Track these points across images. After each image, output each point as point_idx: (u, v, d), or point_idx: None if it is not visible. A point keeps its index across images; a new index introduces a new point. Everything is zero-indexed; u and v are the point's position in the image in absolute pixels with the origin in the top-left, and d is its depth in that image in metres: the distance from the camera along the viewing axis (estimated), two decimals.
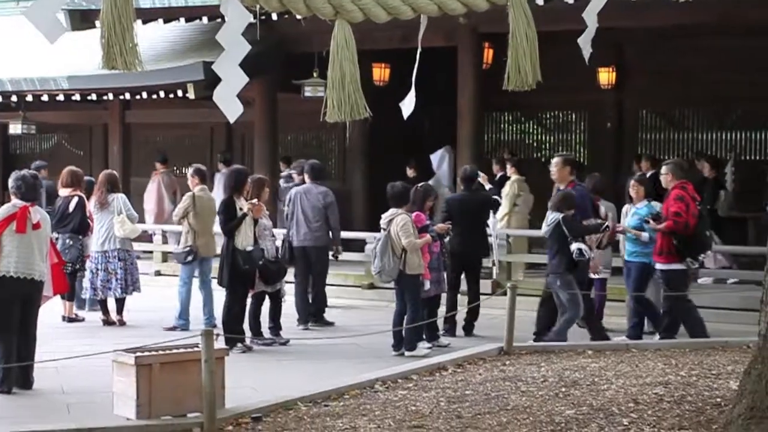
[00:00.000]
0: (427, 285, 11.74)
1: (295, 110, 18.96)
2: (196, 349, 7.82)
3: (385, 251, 11.52)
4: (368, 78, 19.26)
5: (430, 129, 19.68)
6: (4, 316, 9.54)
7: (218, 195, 20.32)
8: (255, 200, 11.88)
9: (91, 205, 13.72)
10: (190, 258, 13.10)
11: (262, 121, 18.96)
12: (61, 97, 19.62)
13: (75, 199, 13.57)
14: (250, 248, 11.72)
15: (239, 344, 11.60)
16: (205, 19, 17.58)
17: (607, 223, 12.00)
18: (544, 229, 11.84)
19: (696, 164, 17.10)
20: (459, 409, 7.89)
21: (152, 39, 18.47)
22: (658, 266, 11.73)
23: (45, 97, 19.73)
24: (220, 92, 6.19)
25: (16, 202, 9.88)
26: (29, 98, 19.97)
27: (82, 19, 17.16)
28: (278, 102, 19.09)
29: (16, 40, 20.14)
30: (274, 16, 15.52)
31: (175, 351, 8.12)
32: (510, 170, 16.35)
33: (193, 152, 21.73)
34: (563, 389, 8.56)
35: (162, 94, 18.45)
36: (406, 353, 11.38)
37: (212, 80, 16.94)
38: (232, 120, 6.25)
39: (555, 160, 12.10)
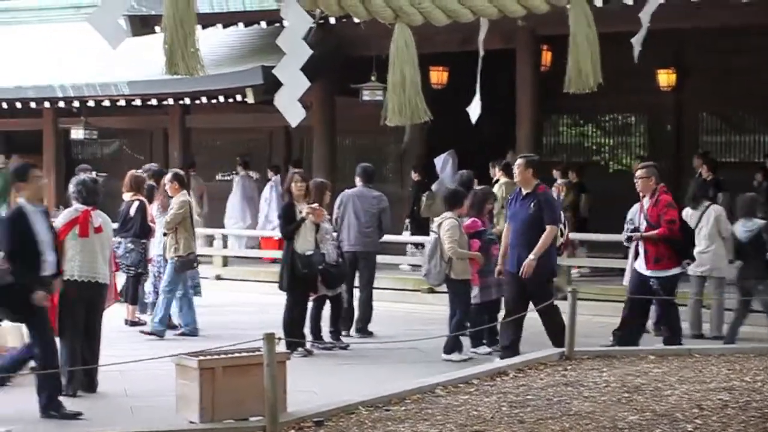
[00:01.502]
0: (476, 291, 11.67)
1: (352, 114, 18.99)
2: (258, 353, 7.84)
3: (433, 255, 11.52)
4: (426, 81, 19.22)
5: (488, 132, 19.61)
6: (68, 319, 9.62)
7: (236, 199, 20.60)
8: (315, 204, 11.90)
9: (153, 210, 13.82)
10: (196, 264, 13.15)
11: (320, 125, 19.01)
12: (122, 103, 19.81)
13: (136, 204, 13.67)
14: (309, 252, 11.73)
15: (300, 348, 11.62)
16: (263, 24, 17.64)
17: None
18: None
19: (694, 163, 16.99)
20: (521, 414, 7.85)
21: (211, 44, 18.58)
22: (654, 273, 11.24)
23: (106, 103, 19.94)
24: (281, 97, 6.21)
25: (77, 206, 9.98)
26: (91, 104, 20.18)
27: (142, 25, 17.31)
28: (337, 106, 19.12)
29: (77, 46, 20.37)
30: (332, 20, 15.55)
31: (237, 355, 8.16)
32: (498, 173, 16.00)
33: (253, 156, 21.83)
34: (626, 395, 8.49)
35: (221, 98, 18.56)
36: (443, 356, 11.31)
37: (271, 85, 17.07)
38: (294, 124, 6.27)
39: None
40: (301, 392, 8.93)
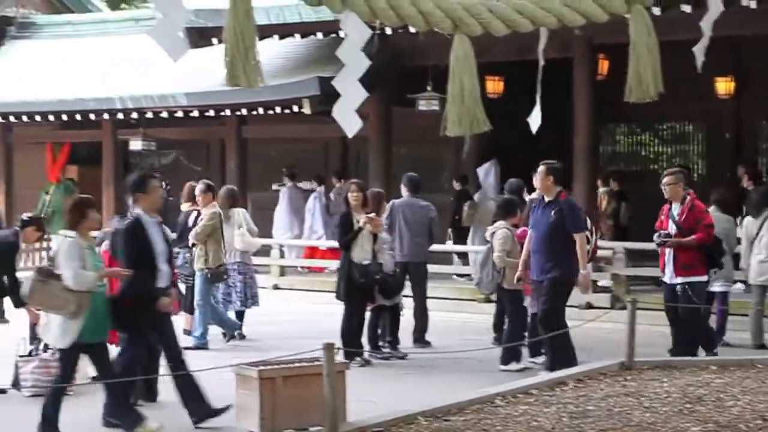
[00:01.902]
0: (527, 300, 11.62)
1: (408, 124, 19.01)
2: (317, 362, 7.86)
3: (486, 264, 11.53)
4: (481, 91, 19.17)
5: (543, 141, 19.54)
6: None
7: (283, 210, 20.67)
8: (372, 214, 11.92)
9: None
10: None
11: (376, 135, 19.03)
12: (179, 114, 19.99)
13: (194, 214, 13.76)
14: (367, 262, 11.76)
15: (358, 358, 11.64)
16: (320, 35, 17.72)
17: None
18: None
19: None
20: (581, 425, 7.80)
21: (268, 55, 18.66)
22: (682, 280, 11.10)
23: (164, 114, 20.13)
24: (339, 107, 6.23)
25: None
26: (149, 115, 20.39)
27: (199, 37, 17.42)
28: (393, 116, 19.14)
29: (136, 59, 20.58)
30: (389, 30, 15.58)
31: (297, 365, 8.19)
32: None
33: (309, 167, 21.91)
34: (688, 405, 8.41)
35: (278, 109, 18.66)
36: (500, 367, 11.26)
37: (327, 95, 17.19)
38: (350, 135, 6.29)
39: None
40: (360, 402, 8.94)
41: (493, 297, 12.97)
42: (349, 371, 8.36)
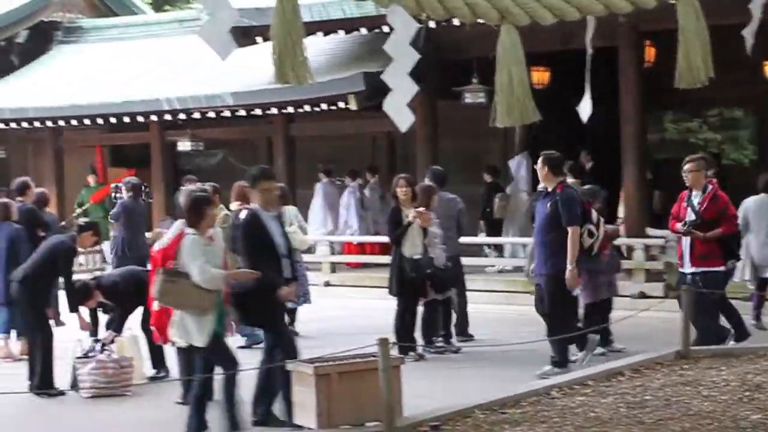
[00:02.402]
0: (577, 291, 11.53)
1: (454, 117, 18.96)
2: (372, 358, 7.86)
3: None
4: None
5: (591, 130, 19.44)
6: None
7: (318, 205, 20.68)
8: (422, 208, 11.89)
9: None
10: None
11: (422, 129, 18.98)
12: (226, 114, 20.07)
13: (243, 213, 13.79)
14: (417, 256, 11.74)
15: (412, 353, 11.62)
16: (363, 30, 17.72)
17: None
18: None
19: None
20: (640, 415, 7.75)
21: (312, 52, 18.40)
22: (699, 269, 10.88)
23: (211, 114, 20.21)
24: (390, 102, 6.21)
25: None
26: (196, 116, 20.48)
27: (244, 36, 17.48)
28: (439, 109, 19.11)
29: (182, 60, 20.70)
30: (432, 24, 15.55)
31: (352, 360, 8.19)
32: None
33: (356, 163, 21.93)
34: (747, 393, 8.33)
35: (324, 106, 18.67)
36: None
37: (373, 91, 17.17)
38: (403, 129, 6.28)
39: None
40: (416, 397, 8.91)
41: None
42: (403, 366, 8.34)
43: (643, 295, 15.03)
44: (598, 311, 11.76)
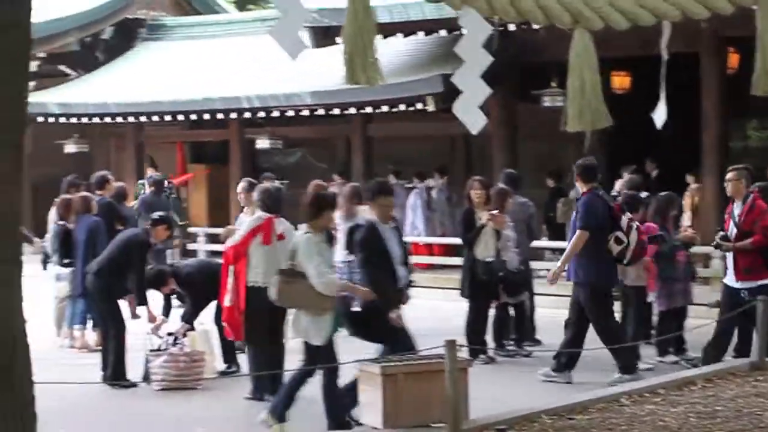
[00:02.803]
0: (651, 297, 11.41)
1: (533, 120, 18.87)
2: (439, 359, 7.85)
3: None
4: (607, 86, 19.00)
5: (670, 137, 19.23)
6: (254, 326, 9.83)
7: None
8: (496, 211, 11.86)
9: (337, 217, 13.97)
10: None
11: (500, 132, 18.94)
12: (305, 113, 20.18)
13: None
14: (490, 259, 11.71)
15: (482, 355, 11.59)
16: (443, 32, 17.71)
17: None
18: None
19: None
20: (710, 426, 7.65)
21: (391, 53, 18.74)
22: (744, 285, 10.55)
23: (290, 113, 20.34)
24: (461, 104, 6.23)
25: (260, 214, 10.19)
26: (275, 114, 20.62)
27: (324, 36, 17.58)
28: (517, 112, 19.03)
29: (262, 58, 20.84)
30: (512, 27, 15.50)
31: (419, 361, 8.19)
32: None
33: (433, 164, 21.91)
34: None
35: (402, 107, 18.69)
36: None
37: (451, 92, 17.02)
38: (474, 132, 6.29)
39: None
40: (483, 399, 8.88)
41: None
42: (472, 369, 8.32)
43: (719, 304, 14.79)
44: (672, 319, 11.64)
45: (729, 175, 10.99)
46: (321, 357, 8.40)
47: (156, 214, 11.75)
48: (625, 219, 10.71)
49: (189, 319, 10.86)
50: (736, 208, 10.83)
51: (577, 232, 10.52)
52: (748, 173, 11.00)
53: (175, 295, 11.30)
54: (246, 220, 11.14)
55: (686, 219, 16.43)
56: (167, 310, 11.27)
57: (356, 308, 8.84)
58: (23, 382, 5.17)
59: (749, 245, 10.52)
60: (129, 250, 10.89)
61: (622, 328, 11.19)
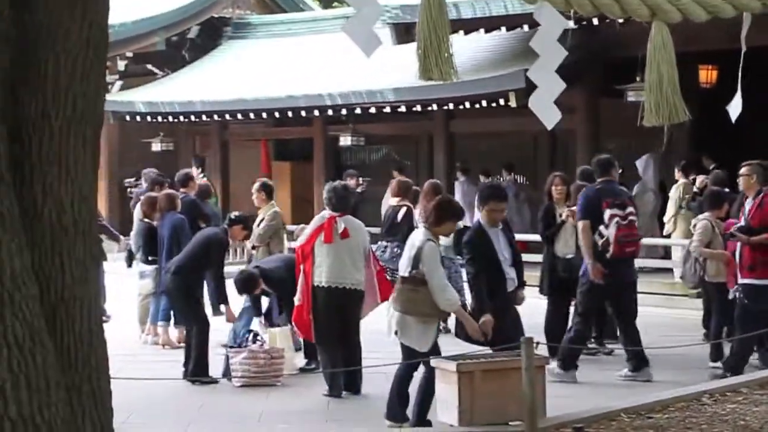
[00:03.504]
0: (731, 294, 11.21)
1: (619, 116, 18.65)
2: (516, 357, 7.80)
3: (688, 257, 11.28)
4: (695, 80, 18.73)
5: (760, 132, 18.91)
6: (321, 325, 9.87)
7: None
8: (574, 207, 11.74)
9: (417, 214, 13.97)
10: None
11: (584, 128, 18.77)
12: (387, 109, 20.19)
13: (403, 209, 13.84)
14: (570, 256, 11.61)
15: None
16: (525, 27, 17.59)
17: None
18: None
19: None
20: None
21: (474, 49, 18.67)
22: (747, 281, 10.35)
23: (372, 110, 20.37)
24: (536, 99, 6.19)
25: (324, 213, 10.21)
26: (358, 111, 20.67)
27: (405, 33, 17.57)
28: (601, 108, 18.85)
29: (345, 55, 20.90)
30: (595, 21, 15.34)
31: (495, 359, 8.16)
32: (677, 174, 16.46)
33: (517, 161, 21.81)
34: None
35: (484, 103, 18.61)
36: (709, 364, 10.73)
37: (533, 88, 16.98)
38: (549, 127, 6.24)
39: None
40: (561, 397, 8.84)
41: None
42: (550, 366, 8.26)
43: None
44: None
45: (741, 170, 10.90)
46: (422, 360, 8.40)
47: (233, 214, 11.83)
48: (608, 213, 10.58)
49: (278, 314, 10.99)
50: (748, 204, 10.68)
51: (580, 222, 10.73)
52: (762, 168, 10.79)
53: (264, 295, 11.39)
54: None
55: (671, 210, 16.52)
56: (257, 312, 11.38)
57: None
58: (100, 376, 5.23)
59: (763, 239, 10.28)
60: (207, 249, 10.97)
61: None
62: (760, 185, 10.69)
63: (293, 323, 10.33)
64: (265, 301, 11.78)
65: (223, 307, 11.01)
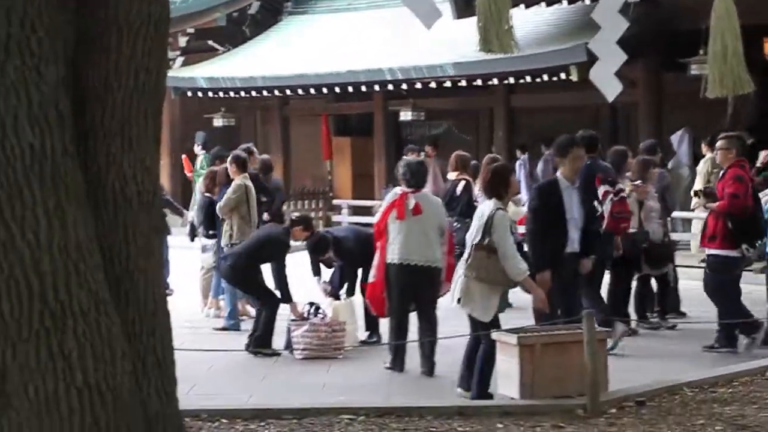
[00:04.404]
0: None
1: (681, 89, 18.47)
2: (578, 330, 7.78)
3: None
4: (760, 52, 18.47)
5: None
6: (392, 301, 9.88)
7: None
8: (639, 181, 11.65)
9: (476, 189, 13.94)
10: None
11: (646, 102, 18.63)
12: (448, 84, 20.14)
13: (462, 183, 13.81)
14: (633, 230, 11.52)
15: (624, 327, 11.41)
16: (587, 0, 17.46)
17: None
18: None
19: None
20: None
21: (536, 22, 18.55)
22: (709, 251, 10.31)
23: (433, 84, 20.32)
24: (596, 71, 6.18)
25: (396, 189, 10.20)
26: (418, 86, 20.64)
27: (466, 7, 17.49)
28: (664, 81, 18.66)
29: (407, 30, 20.85)
30: None
31: (557, 332, 8.14)
32: (704, 149, 16.08)
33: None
34: None
35: (545, 77, 18.50)
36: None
37: (595, 62, 16.90)
38: (610, 99, 6.22)
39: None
40: (623, 371, 8.78)
41: None
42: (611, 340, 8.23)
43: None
44: None
45: (719, 143, 10.54)
46: (484, 331, 8.38)
47: (294, 215, 11.86)
48: (602, 189, 10.50)
49: (341, 285, 11.06)
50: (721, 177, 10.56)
51: None
52: (739, 141, 10.56)
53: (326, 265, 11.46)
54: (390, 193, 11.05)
55: (697, 185, 15.76)
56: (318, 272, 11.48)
57: None
58: (164, 347, 5.29)
59: (715, 208, 10.24)
60: (262, 247, 11.01)
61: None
62: (735, 159, 10.39)
63: (366, 299, 10.35)
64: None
65: (289, 306, 10.97)
